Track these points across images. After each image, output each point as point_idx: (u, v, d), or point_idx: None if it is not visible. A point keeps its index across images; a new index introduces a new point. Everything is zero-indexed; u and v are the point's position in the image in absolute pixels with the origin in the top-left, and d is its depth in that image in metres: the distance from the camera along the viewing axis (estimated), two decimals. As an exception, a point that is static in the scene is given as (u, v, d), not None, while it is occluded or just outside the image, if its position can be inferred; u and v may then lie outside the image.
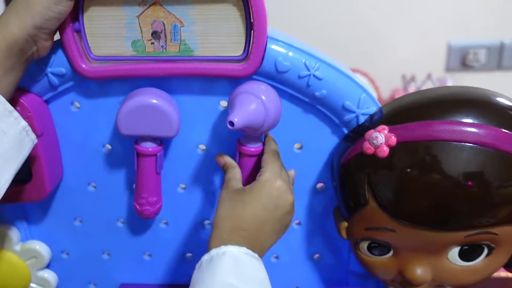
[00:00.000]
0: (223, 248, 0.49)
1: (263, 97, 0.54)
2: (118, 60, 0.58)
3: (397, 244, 0.56)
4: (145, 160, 0.60)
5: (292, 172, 0.59)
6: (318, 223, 0.67)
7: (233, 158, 0.58)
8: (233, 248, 0.50)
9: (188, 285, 0.50)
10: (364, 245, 0.57)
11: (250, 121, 0.53)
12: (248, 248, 0.50)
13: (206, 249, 0.51)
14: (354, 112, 0.58)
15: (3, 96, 0.50)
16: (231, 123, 0.51)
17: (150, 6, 0.55)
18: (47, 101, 0.61)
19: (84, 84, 0.60)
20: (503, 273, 0.70)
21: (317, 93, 0.58)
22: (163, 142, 0.61)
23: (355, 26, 1.51)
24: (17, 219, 0.68)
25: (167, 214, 0.67)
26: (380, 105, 0.59)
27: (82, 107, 0.62)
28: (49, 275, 0.71)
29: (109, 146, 0.64)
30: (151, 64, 0.58)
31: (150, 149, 0.59)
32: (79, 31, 0.56)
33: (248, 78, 0.57)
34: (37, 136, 0.56)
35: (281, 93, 0.58)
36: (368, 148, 0.54)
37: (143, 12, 0.55)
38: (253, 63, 0.56)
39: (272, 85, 0.57)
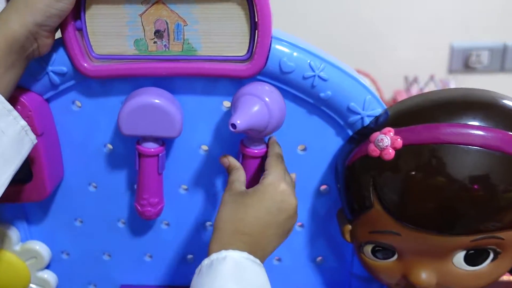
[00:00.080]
0: (223, 253, 0.49)
1: (267, 99, 0.54)
2: (120, 59, 0.57)
3: (402, 248, 0.55)
4: (147, 160, 0.59)
5: (293, 176, 0.58)
6: (321, 225, 0.66)
7: (236, 159, 0.58)
8: (234, 253, 0.49)
9: (189, 286, 0.49)
10: (368, 249, 0.57)
11: (253, 123, 0.52)
12: (250, 253, 0.49)
13: (207, 251, 0.51)
14: (359, 113, 0.58)
15: (3, 94, 0.49)
16: (233, 126, 0.50)
17: (153, 4, 0.54)
18: (48, 100, 0.60)
19: (86, 83, 0.59)
20: (505, 277, 0.70)
21: (321, 94, 0.57)
22: (165, 143, 0.60)
23: (357, 27, 1.51)
24: (17, 219, 0.67)
25: (168, 215, 0.66)
26: (385, 106, 0.58)
27: (83, 107, 0.61)
28: (49, 276, 0.70)
29: (110, 146, 0.63)
30: (154, 63, 0.57)
31: (152, 150, 0.59)
32: (81, 29, 0.56)
33: (252, 78, 0.57)
34: (38, 136, 0.56)
35: (285, 93, 0.57)
36: (373, 150, 0.53)
37: (146, 10, 0.55)
38: (257, 63, 0.55)
39: (276, 86, 0.57)
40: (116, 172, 0.64)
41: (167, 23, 0.55)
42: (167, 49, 0.56)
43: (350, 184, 0.57)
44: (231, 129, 0.50)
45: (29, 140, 0.53)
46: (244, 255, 0.49)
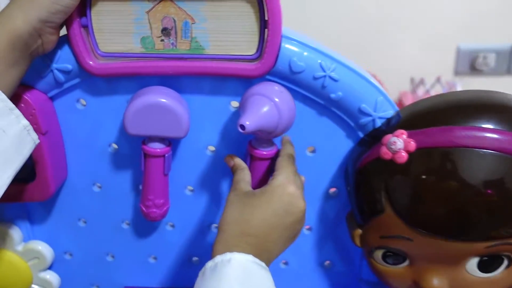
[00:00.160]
0: (228, 255, 0.47)
1: (277, 99, 0.52)
2: (126, 57, 0.56)
3: (414, 253, 0.54)
4: (152, 161, 0.58)
5: (302, 178, 0.56)
6: (329, 229, 0.65)
7: (244, 161, 0.57)
8: (239, 256, 0.47)
9: None
10: (378, 254, 0.56)
11: (262, 124, 0.51)
12: (255, 255, 0.48)
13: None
14: (370, 115, 0.56)
15: (6, 91, 0.48)
16: (242, 127, 0.49)
17: (160, 1, 0.53)
18: (52, 98, 0.59)
19: (91, 81, 0.59)
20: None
21: (332, 95, 0.56)
22: (172, 143, 0.59)
23: (363, 28, 1.50)
24: (19, 219, 0.67)
25: (173, 216, 0.65)
26: (397, 108, 0.57)
27: (88, 105, 0.60)
28: (51, 277, 0.69)
29: (115, 146, 0.63)
30: (161, 61, 0.56)
31: (158, 150, 0.58)
32: (86, 27, 0.55)
33: (260, 78, 0.56)
34: (42, 134, 0.55)
35: (294, 94, 0.56)
36: (385, 153, 0.52)
37: (153, 7, 0.54)
38: (267, 62, 0.54)
39: (285, 86, 0.56)
40: (121, 172, 0.64)
41: (174, 21, 0.54)
42: (174, 47, 0.55)
43: (361, 188, 0.56)
44: (240, 130, 0.49)
45: (31, 139, 0.52)
46: (250, 258, 0.48)
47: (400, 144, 0.51)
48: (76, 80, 0.58)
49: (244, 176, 0.54)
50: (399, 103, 1.50)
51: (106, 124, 0.61)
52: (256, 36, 0.54)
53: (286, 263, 0.68)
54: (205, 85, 0.58)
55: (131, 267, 0.70)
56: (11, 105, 0.49)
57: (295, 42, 0.55)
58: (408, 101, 1.48)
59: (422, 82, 1.54)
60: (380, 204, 0.53)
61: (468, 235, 0.50)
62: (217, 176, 0.63)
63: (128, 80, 0.58)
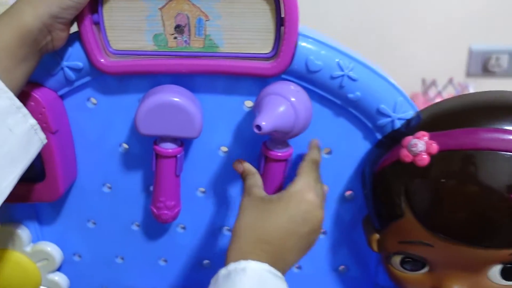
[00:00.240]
0: (242, 263, 0.45)
1: (293, 99, 0.51)
2: (138, 54, 0.55)
3: (434, 259, 0.52)
4: (164, 161, 0.57)
5: (325, 188, 0.54)
6: (345, 233, 0.64)
7: (258, 162, 0.55)
8: (254, 264, 0.46)
9: None
10: (396, 260, 0.54)
11: (278, 125, 0.49)
12: (270, 264, 0.46)
13: (224, 256, 0.48)
14: (389, 116, 0.55)
15: (14, 89, 0.47)
16: (258, 127, 0.47)
17: (174, -2, 0.52)
18: (62, 97, 0.58)
19: (102, 80, 0.57)
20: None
21: (350, 95, 0.54)
22: (184, 143, 0.58)
23: (374, 28, 1.49)
24: (28, 219, 0.66)
25: (185, 218, 0.64)
26: (417, 109, 0.55)
27: (99, 104, 0.59)
28: (60, 278, 0.69)
29: (126, 146, 0.61)
30: (173, 60, 0.55)
31: (170, 150, 0.56)
32: (98, 23, 0.54)
33: (276, 77, 0.54)
34: (51, 133, 0.54)
35: (310, 94, 0.54)
36: (406, 155, 0.50)
37: (166, 4, 0.53)
38: (283, 61, 0.53)
39: (301, 86, 0.54)
40: (132, 173, 0.62)
41: (188, 18, 0.53)
42: (187, 45, 0.54)
43: (379, 191, 0.54)
44: (256, 131, 0.48)
45: (38, 139, 0.50)
46: (265, 267, 0.46)
47: (421, 146, 0.49)
48: (87, 78, 0.57)
49: (256, 181, 0.53)
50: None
51: (117, 123, 0.60)
52: (271, 34, 0.53)
53: (299, 268, 0.66)
54: (219, 84, 0.57)
55: (140, 270, 0.68)
56: (18, 103, 0.47)
57: (311, 40, 0.53)
58: (420, 102, 1.46)
59: (433, 83, 1.52)
60: (400, 208, 0.51)
61: (492, 241, 0.48)
62: (229, 178, 0.62)
63: (140, 78, 0.57)
